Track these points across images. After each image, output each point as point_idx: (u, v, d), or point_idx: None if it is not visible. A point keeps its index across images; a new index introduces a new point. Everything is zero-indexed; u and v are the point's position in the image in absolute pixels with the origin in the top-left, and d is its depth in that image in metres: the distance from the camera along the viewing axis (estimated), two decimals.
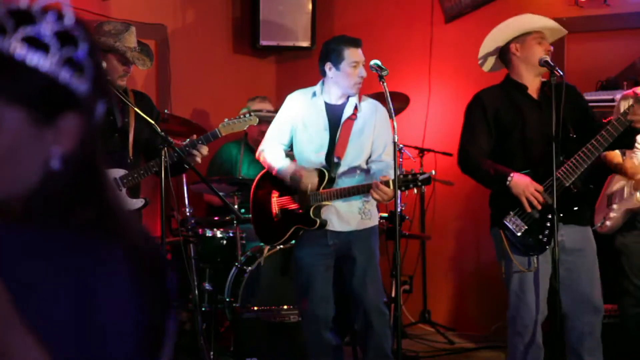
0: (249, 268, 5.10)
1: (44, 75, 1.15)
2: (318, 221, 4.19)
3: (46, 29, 1.15)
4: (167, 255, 4.72)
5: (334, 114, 4.26)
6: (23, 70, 1.14)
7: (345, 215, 4.23)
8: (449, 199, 6.26)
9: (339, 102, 4.30)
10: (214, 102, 6.60)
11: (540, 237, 3.93)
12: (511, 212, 3.97)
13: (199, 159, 4.14)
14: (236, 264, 5.23)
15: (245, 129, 4.45)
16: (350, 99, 4.30)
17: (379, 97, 4.36)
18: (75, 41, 1.18)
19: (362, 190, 4.09)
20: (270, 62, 7.06)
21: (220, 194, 4.30)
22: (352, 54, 4.21)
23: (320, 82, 4.35)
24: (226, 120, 4.27)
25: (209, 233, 5.35)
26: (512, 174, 3.92)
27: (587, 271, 3.99)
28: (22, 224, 1.20)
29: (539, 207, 3.89)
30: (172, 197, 4.93)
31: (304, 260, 4.30)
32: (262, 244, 5.32)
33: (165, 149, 3.92)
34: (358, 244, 4.23)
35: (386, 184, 3.93)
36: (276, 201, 4.36)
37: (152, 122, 3.90)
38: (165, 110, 5.34)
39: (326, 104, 4.29)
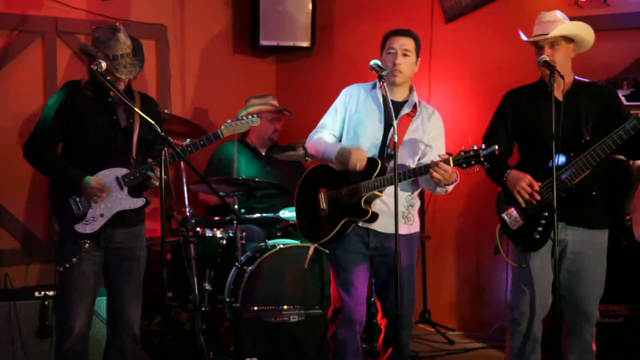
0: (249, 268, 5.10)
1: None
2: (370, 211, 4.05)
3: None
4: (167, 255, 4.70)
5: (392, 108, 3.99)
6: None
7: (389, 217, 3.95)
8: (449, 198, 6.22)
9: (400, 99, 4.20)
10: (214, 102, 6.60)
11: (534, 234, 3.95)
12: (511, 208, 4.02)
13: (154, 182, 4.02)
14: (236, 264, 5.23)
15: (246, 130, 4.41)
16: (410, 97, 4.21)
17: None
18: None
19: (418, 172, 3.96)
20: (270, 62, 7.06)
21: (220, 194, 4.29)
22: (390, 42, 4.16)
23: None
24: (229, 121, 4.23)
25: (209, 233, 5.34)
26: (509, 170, 4.00)
27: (585, 276, 3.98)
28: None
29: (533, 202, 3.91)
30: (172, 197, 4.92)
31: (346, 260, 4.17)
32: (262, 244, 5.33)
33: (165, 149, 3.87)
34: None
35: (446, 161, 3.83)
36: (325, 196, 4.22)
37: (152, 122, 3.87)
38: (165, 110, 5.33)
39: (384, 98, 4.09)
